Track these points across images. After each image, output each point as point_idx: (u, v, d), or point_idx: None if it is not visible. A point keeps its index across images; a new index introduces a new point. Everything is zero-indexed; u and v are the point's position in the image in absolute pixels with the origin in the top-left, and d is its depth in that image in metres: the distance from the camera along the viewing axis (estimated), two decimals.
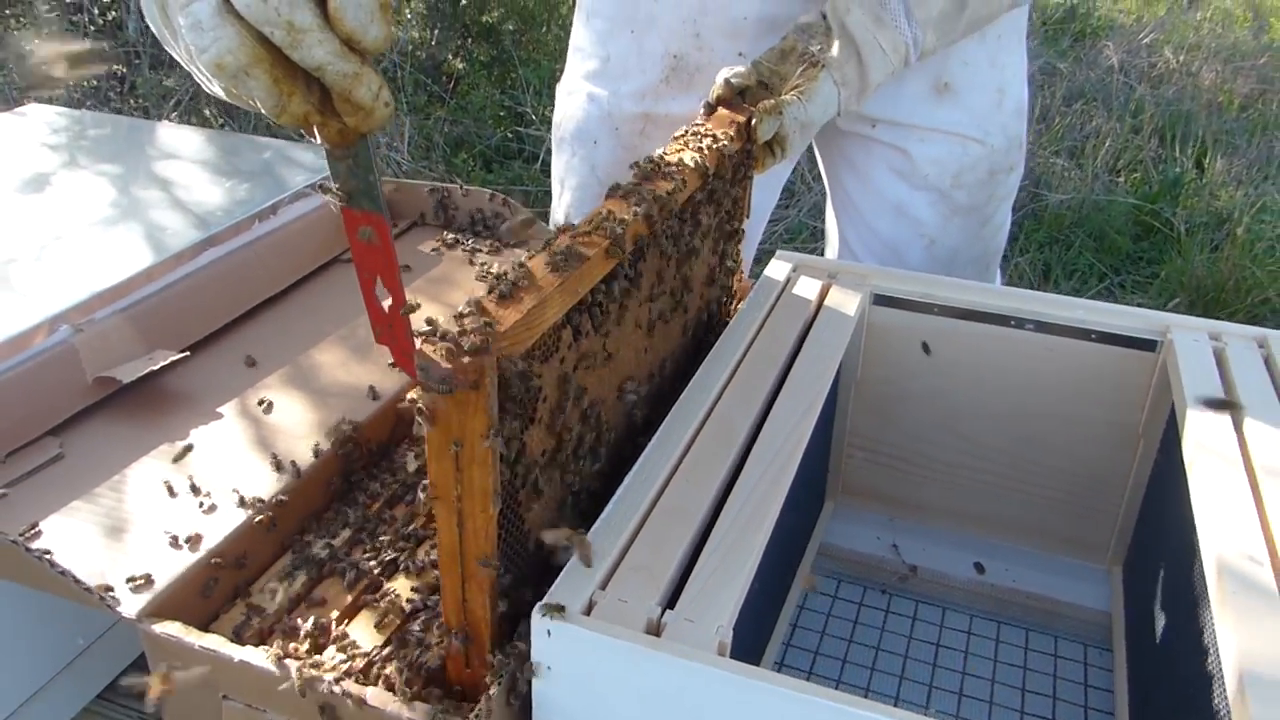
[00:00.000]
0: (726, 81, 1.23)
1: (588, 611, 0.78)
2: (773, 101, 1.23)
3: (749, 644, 1.13)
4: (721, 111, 1.22)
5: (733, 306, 1.34)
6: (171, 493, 0.99)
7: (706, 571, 0.83)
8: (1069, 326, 1.29)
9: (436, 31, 4.11)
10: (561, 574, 0.81)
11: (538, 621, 0.76)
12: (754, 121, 1.19)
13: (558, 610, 0.76)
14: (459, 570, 0.76)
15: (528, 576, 0.84)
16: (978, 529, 1.46)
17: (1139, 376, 1.28)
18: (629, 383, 0.99)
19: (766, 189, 1.71)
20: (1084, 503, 1.39)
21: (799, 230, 3.28)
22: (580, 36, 1.57)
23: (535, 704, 0.79)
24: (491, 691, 0.77)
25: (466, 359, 0.67)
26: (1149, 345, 1.26)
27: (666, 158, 1.03)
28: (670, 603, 0.80)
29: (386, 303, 0.92)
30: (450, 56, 4.29)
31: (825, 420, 1.41)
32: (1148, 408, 1.28)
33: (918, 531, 1.48)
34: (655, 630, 0.77)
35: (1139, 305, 3.09)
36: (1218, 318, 2.93)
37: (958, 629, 1.40)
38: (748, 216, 1.27)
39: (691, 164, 1.03)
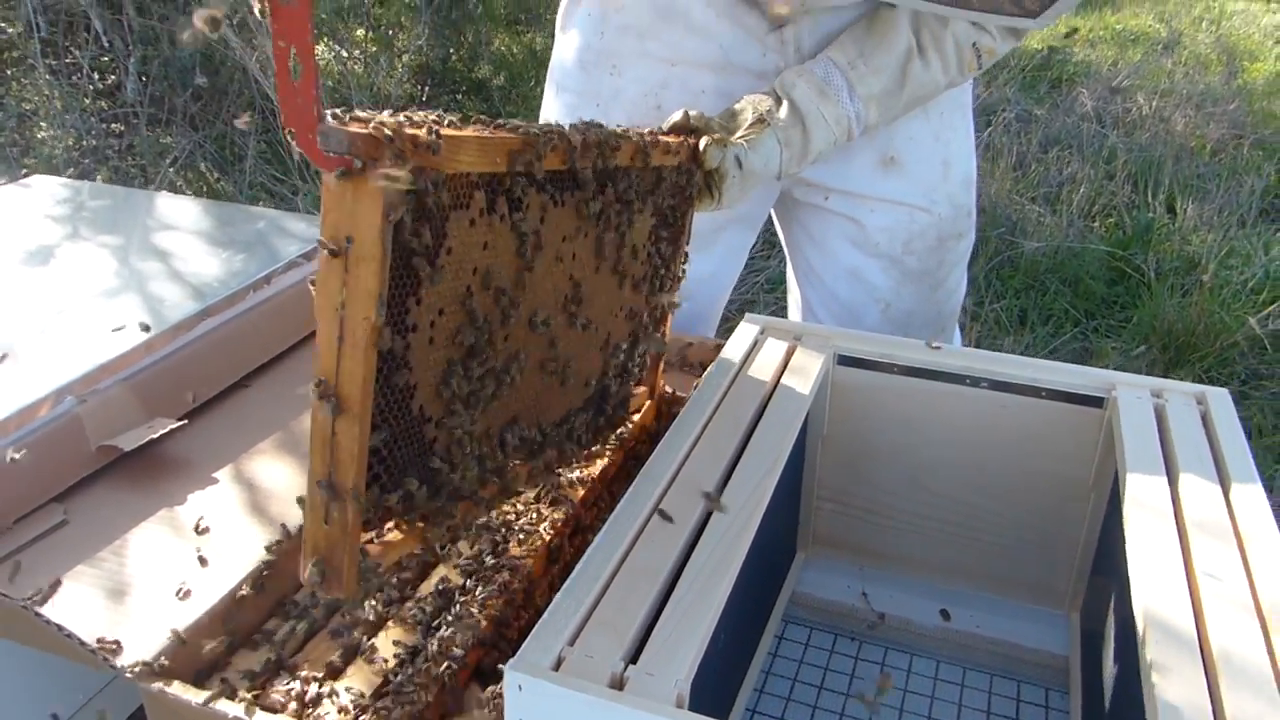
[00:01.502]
0: (685, 112, 1.32)
1: (556, 667, 0.84)
2: (721, 136, 1.33)
3: (718, 693, 1.19)
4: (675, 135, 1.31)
5: (665, 326, 1.40)
6: (169, 556, 1.05)
7: (668, 627, 0.89)
8: (1021, 385, 1.36)
9: (427, 88, 4.22)
10: (533, 631, 0.87)
11: (510, 676, 0.82)
12: (702, 145, 1.28)
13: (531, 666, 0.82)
14: (332, 400, 0.77)
15: (403, 454, 0.85)
16: (944, 577, 1.52)
17: (1088, 432, 1.35)
18: (540, 311, 1.01)
19: (747, 227, 1.79)
20: (1043, 551, 1.46)
21: (779, 279, 3.36)
22: (550, 109, 1.66)
23: None
24: None
25: (369, 133, 0.71)
26: (1096, 402, 1.33)
27: (618, 131, 1.09)
28: (634, 657, 0.86)
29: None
30: (441, 111, 4.40)
31: (794, 474, 1.48)
32: (1096, 461, 1.35)
33: (887, 580, 1.53)
34: (618, 684, 0.83)
35: (1113, 349, 3.18)
36: (1189, 361, 3.01)
37: (925, 674, 1.45)
38: (688, 241, 1.34)
39: (635, 140, 1.10)
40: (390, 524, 0.88)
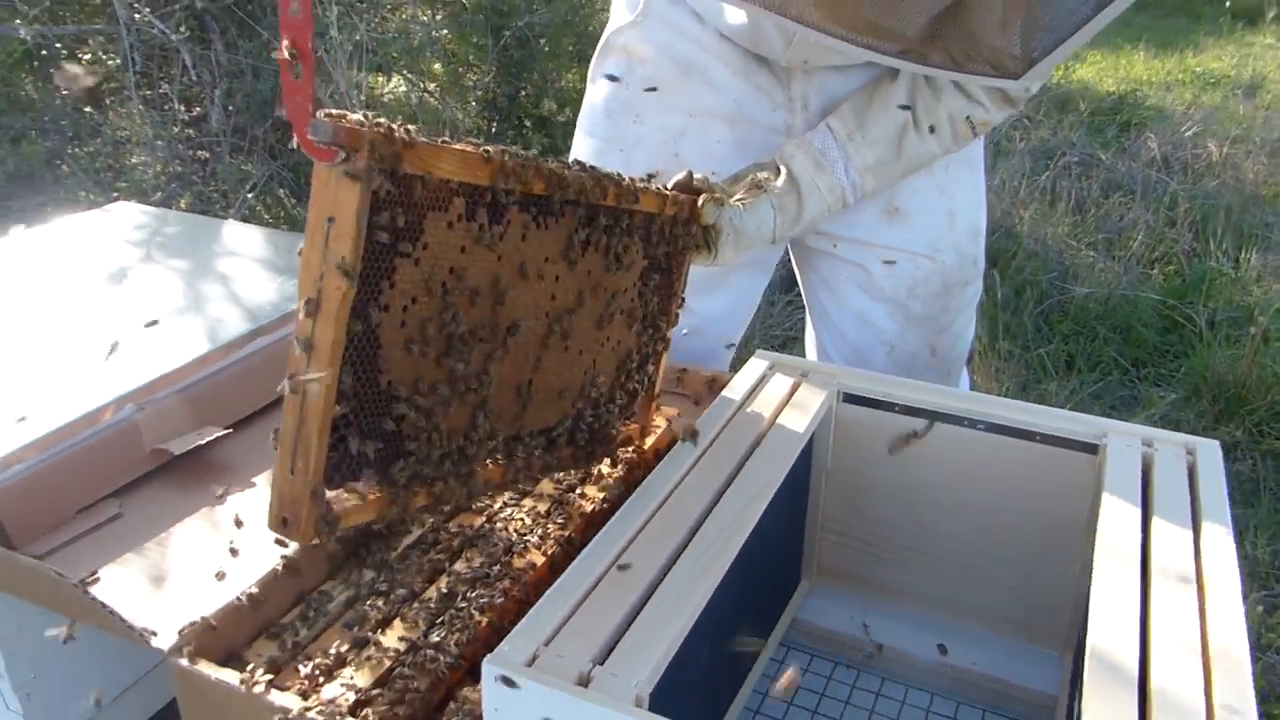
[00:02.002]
0: (689, 172, 1.42)
1: (530, 663, 0.93)
2: (720, 195, 1.43)
3: (703, 706, 1.26)
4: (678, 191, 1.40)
5: (658, 367, 1.47)
6: (207, 549, 1.17)
7: (637, 636, 0.97)
8: (1017, 428, 1.41)
9: (495, 122, 4.40)
10: (513, 631, 0.96)
11: (487, 669, 0.91)
12: (700, 202, 1.38)
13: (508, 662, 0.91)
14: (306, 362, 0.87)
15: (368, 423, 0.94)
16: (943, 612, 1.57)
17: (1082, 476, 1.39)
18: (517, 320, 1.10)
19: (760, 271, 1.87)
20: (1037, 591, 1.50)
21: None
22: (578, 151, 1.78)
23: None
24: None
25: (353, 126, 0.83)
26: (1090, 448, 1.38)
27: (607, 173, 1.19)
28: (603, 660, 0.94)
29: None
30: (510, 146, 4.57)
31: (797, 505, 1.55)
32: (1088, 506, 1.39)
33: (887, 613, 1.59)
34: (585, 682, 0.91)
35: (1160, 398, 3.16)
36: (1238, 414, 2.98)
37: (918, 706, 1.50)
38: (683, 289, 1.43)
39: (625, 185, 1.20)
40: (352, 491, 0.97)
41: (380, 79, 4.45)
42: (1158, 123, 5.83)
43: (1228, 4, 9.57)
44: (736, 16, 1.56)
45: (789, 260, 1.93)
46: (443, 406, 1.01)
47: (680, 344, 1.80)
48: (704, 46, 1.64)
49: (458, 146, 0.96)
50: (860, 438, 1.51)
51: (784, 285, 3.46)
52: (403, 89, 4.60)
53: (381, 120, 0.88)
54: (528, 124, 4.67)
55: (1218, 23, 9.10)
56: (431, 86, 4.67)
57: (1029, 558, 1.48)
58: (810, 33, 1.22)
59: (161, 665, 1.02)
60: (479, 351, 1.04)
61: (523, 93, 4.56)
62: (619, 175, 1.20)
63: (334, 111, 0.85)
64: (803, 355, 2.00)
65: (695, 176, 1.41)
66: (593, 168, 1.16)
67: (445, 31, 4.37)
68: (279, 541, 0.91)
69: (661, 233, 1.32)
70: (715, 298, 1.81)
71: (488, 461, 1.11)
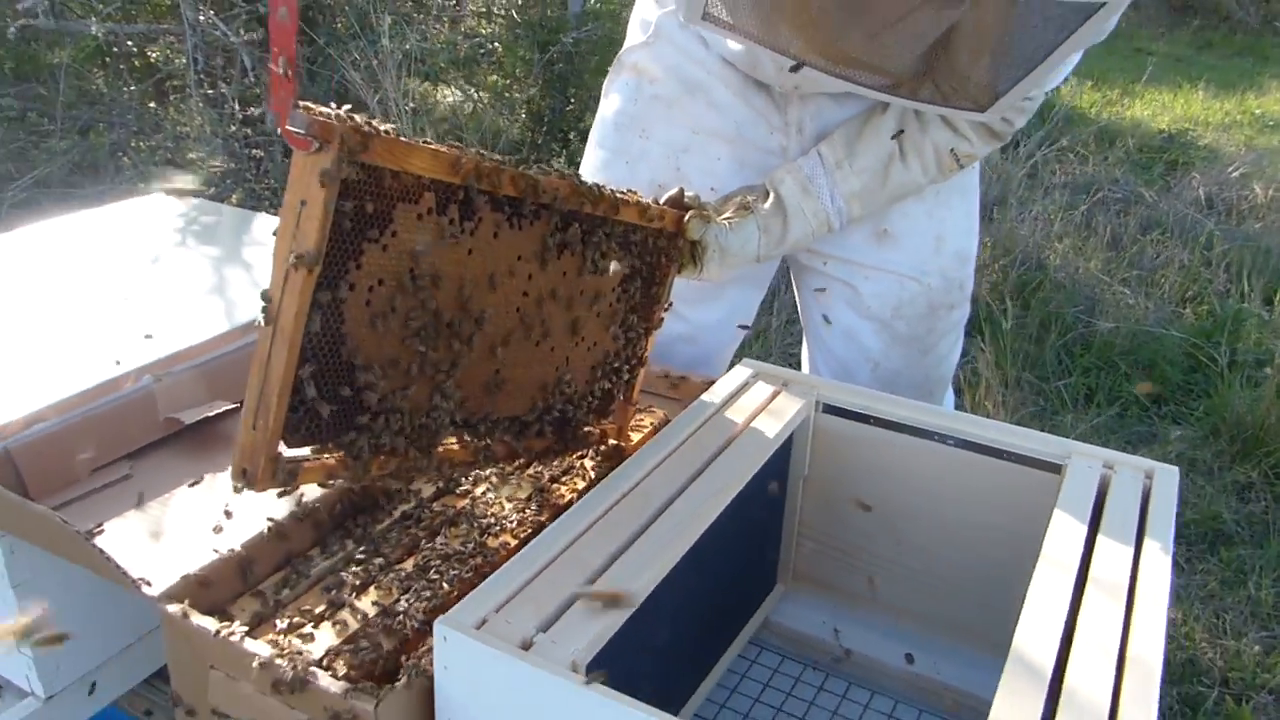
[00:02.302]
0: (680, 189, 1.49)
1: (479, 626, 1.00)
2: (707, 214, 1.50)
3: (660, 686, 1.32)
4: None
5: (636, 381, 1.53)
6: (205, 511, 1.27)
7: (583, 609, 1.04)
8: (985, 445, 1.46)
9: (539, 136, 4.52)
10: (466, 597, 1.03)
11: (438, 628, 0.99)
12: (686, 218, 1.45)
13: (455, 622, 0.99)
14: (272, 326, 0.96)
15: (327, 388, 1.01)
16: (913, 622, 1.61)
17: (1046, 495, 1.42)
18: (486, 311, 1.17)
19: (753, 285, 1.94)
20: (1003, 605, 1.52)
21: None
22: (588, 161, 1.86)
23: (437, 693, 1.02)
24: (403, 680, 1.00)
25: (324, 119, 0.91)
26: (1055, 468, 1.42)
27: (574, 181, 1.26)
28: (547, 629, 1.01)
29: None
30: (552, 157, 4.69)
31: (773, 510, 1.61)
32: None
33: (859, 620, 1.63)
34: (527, 646, 0.99)
35: (1177, 437, 3.15)
36: (1255, 454, 2.97)
37: (881, 711, 1.55)
38: (666, 299, 1.50)
39: (608, 195, 1.28)
40: (311, 450, 1.05)
41: (428, 87, 4.60)
42: (1208, 163, 5.78)
43: None
44: (735, 43, 1.64)
45: None
46: (402, 383, 1.09)
47: (675, 352, 1.88)
48: (708, 69, 1.72)
49: (431, 146, 1.04)
50: (838, 448, 1.57)
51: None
52: (454, 98, 4.75)
53: (355, 116, 0.97)
54: (572, 136, 4.79)
55: None
56: (483, 97, 4.81)
57: (996, 572, 1.52)
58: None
59: (160, 626, 1.11)
60: (443, 335, 1.12)
61: (568, 106, 4.68)
62: (599, 186, 1.28)
63: (311, 106, 0.94)
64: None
65: (687, 194, 1.49)
66: (574, 176, 1.24)
67: (497, 45, 4.51)
68: (241, 485, 0.99)
69: (644, 244, 1.40)
70: (709, 308, 1.88)
71: (452, 440, 1.19)
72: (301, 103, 0.93)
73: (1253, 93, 7.98)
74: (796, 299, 1.98)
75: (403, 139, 1.02)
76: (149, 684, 1.48)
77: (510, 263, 1.19)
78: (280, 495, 1.20)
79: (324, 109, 0.95)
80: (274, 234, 0.97)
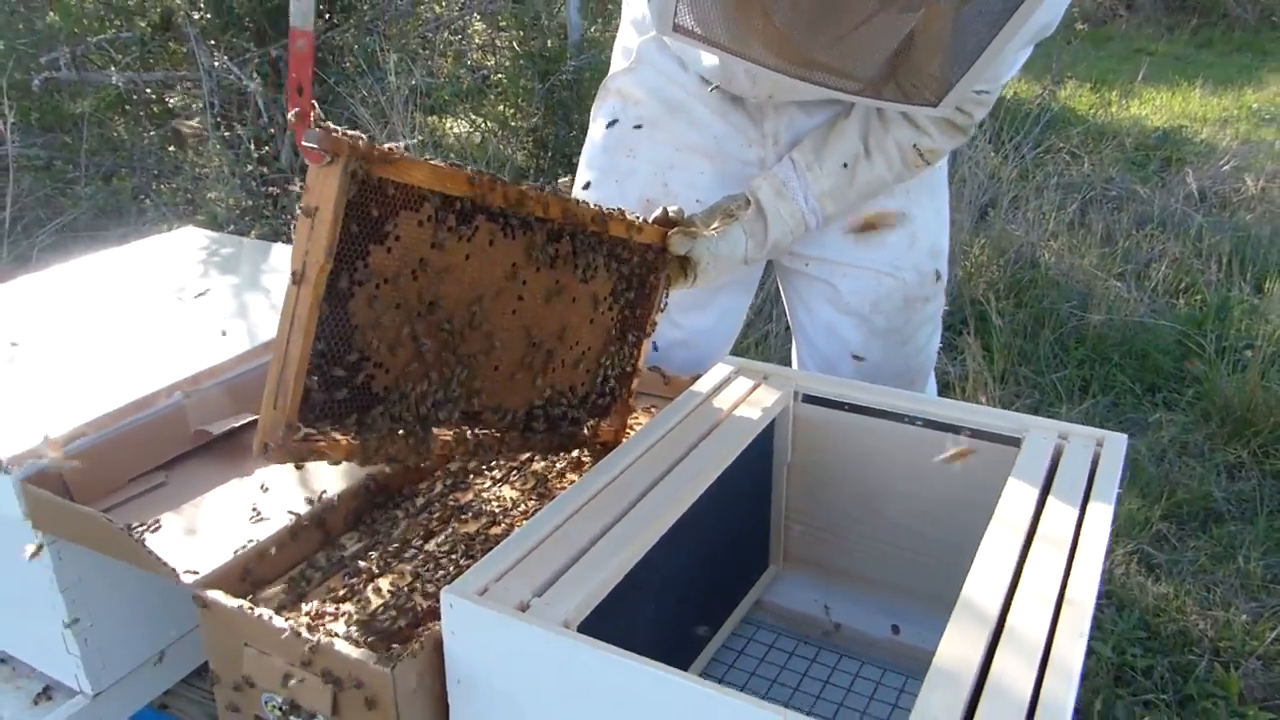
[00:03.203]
0: (664, 209, 1.62)
1: (482, 593, 1.12)
2: (692, 229, 1.62)
3: (661, 652, 1.43)
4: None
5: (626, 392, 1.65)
6: (234, 512, 1.40)
7: (573, 576, 1.16)
8: (949, 424, 1.57)
9: (544, 162, 4.67)
10: (471, 568, 1.16)
11: (444, 596, 1.11)
12: (670, 234, 1.58)
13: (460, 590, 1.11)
14: (289, 320, 1.10)
15: (333, 375, 1.14)
16: (898, 595, 1.71)
17: (1006, 467, 1.53)
18: (486, 312, 1.30)
19: (743, 291, 2.06)
20: None
21: None
22: (581, 179, 1.99)
23: (446, 655, 1.14)
24: (416, 646, 1.12)
25: (336, 136, 1.06)
26: (1015, 441, 1.52)
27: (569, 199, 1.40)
28: (542, 594, 1.13)
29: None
30: (557, 180, 4.85)
31: (761, 496, 1.72)
32: None
33: (847, 596, 1.74)
34: (524, 608, 1.11)
35: (1169, 421, 3.23)
36: (1244, 436, 3.05)
37: (870, 679, 1.65)
38: (658, 309, 1.63)
39: (594, 210, 1.41)
40: (324, 431, 1.17)
41: (434, 119, 4.76)
42: (1202, 158, 5.86)
43: None
44: (710, 59, 1.76)
45: None
46: (404, 373, 1.22)
47: (672, 356, 2.00)
48: (687, 90, 1.86)
49: (431, 162, 1.19)
50: (818, 434, 1.68)
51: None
52: (461, 129, 4.91)
53: (362, 135, 1.11)
54: (575, 160, 4.94)
55: None
56: (490, 127, 4.98)
57: (968, 543, 1.61)
58: (766, 73, 1.41)
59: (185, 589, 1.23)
60: (443, 331, 1.25)
61: (571, 132, 4.84)
62: (587, 203, 1.41)
63: (325, 124, 1.08)
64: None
65: (671, 211, 1.61)
66: (564, 193, 1.38)
67: (501, 76, 4.68)
68: (262, 458, 1.13)
69: (632, 257, 1.53)
70: (702, 314, 2.00)
71: (451, 430, 1.32)
72: (317, 123, 1.08)
73: (1251, 87, 8.04)
74: (784, 301, 2.10)
75: (404, 155, 1.16)
76: (187, 683, 1.60)
77: (506, 268, 1.32)
78: (299, 467, 1.32)
79: (336, 128, 1.10)
80: (293, 237, 1.11)
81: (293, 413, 1.11)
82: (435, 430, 1.29)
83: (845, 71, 1.44)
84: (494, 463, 1.62)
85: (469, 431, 1.34)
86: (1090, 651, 2.31)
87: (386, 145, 1.14)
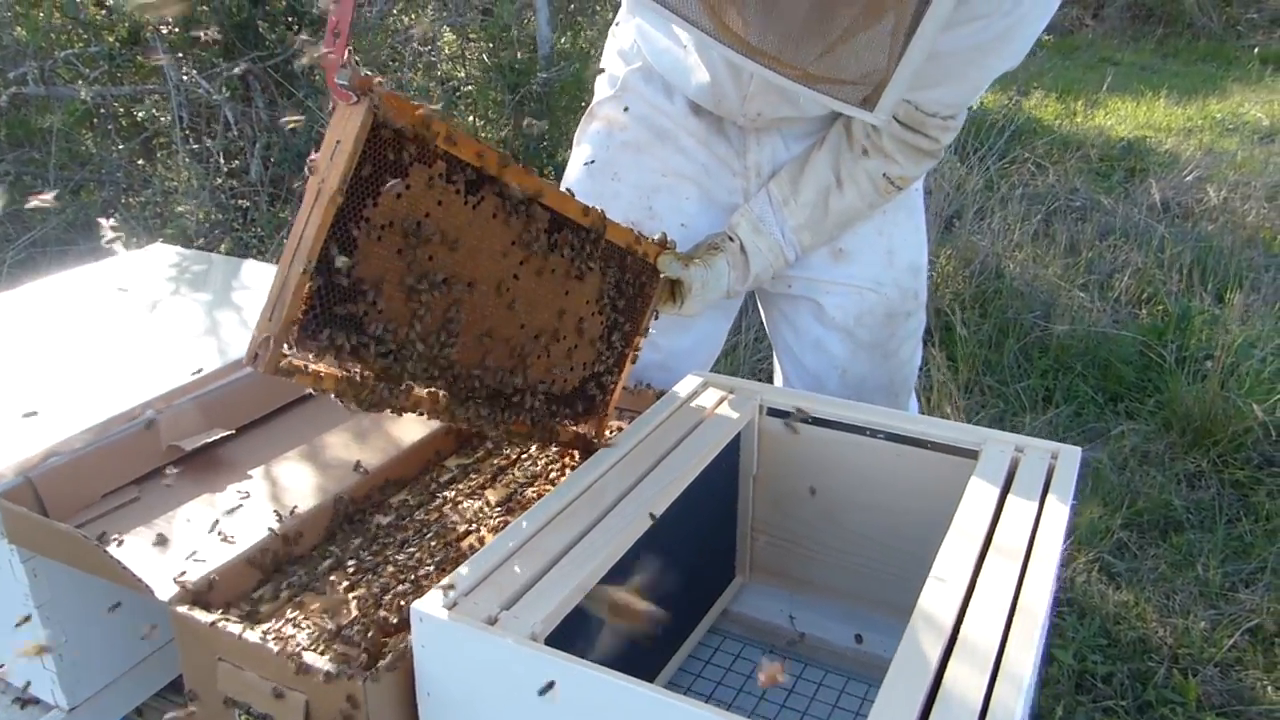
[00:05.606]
0: (664, 234, 1.67)
1: (451, 608, 1.15)
2: (684, 255, 1.67)
3: (628, 664, 1.46)
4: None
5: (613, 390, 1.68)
6: (204, 527, 1.41)
7: (541, 589, 1.19)
8: (909, 437, 1.61)
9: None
10: (439, 582, 1.18)
11: (414, 611, 1.14)
12: (661, 254, 1.63)
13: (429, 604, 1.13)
14: (295, 242, 1.14)
15: (328, 298, 1.18)
16: (861, 605, 1.75)
17: (964, 479, 1.58)
18: (480, 282, 1.34)
19: (722, 316, 2.10)
20: None
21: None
22: None
23: (417, 669, 1.16)
24: (382, 664, 1.14)
25: (364, 77, 1.12)
26: (972, 454, 1.57)
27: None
28: (510, 606, 1.16)
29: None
30: None
31: (726, 506, 1.75)
32: None
33: (812, 606, 1.78)
34: (492, 622, 1.13)
35: (1131, 430, 3.31)
36: (1203, 445, 3.12)
37: (833, 688, 1.69)
38: (648, 323, 1.67)
39: (595, 211, 1.47)
40: (310, 354, 1.21)
41: None
42: (1165, 169, 5.98)
43: (1255, 50, 9.69)
44: (700, 78, 1.80)
45: None
46: (390, 315, 1.25)
47: (649, 377, 2.03)
48: (673, 119, 1.90)
49: (451, 123, 1.24)
50: (782, 447, 1.72)
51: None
52: None
53: (386, 82, 1.17)
54: (548, 172, 4.98)
55: (1246, 69, 9.20)
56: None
57: (929, 553, 1.65)
58: (757, 68, 1.42)
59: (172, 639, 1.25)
60: (436, 285, 1.29)
61: (542, 144, 4.87)
62: (588, 206, 1.47)
63: (357, 66, 1.14)
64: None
65: (667, 239, 1.66)
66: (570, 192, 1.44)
67: (470, 87, 4.70)
68: (251, 366, 1.17)
69: (626, 265, 1.58)
70: (681, 336, 2.04)
71: (430, 388, 1.34)
72: (347, 62, 1.13)
73: (1215, 97, 8.19)
74: (766, 325, 2.15)
75: (430, 109, 1.21)
76: (161, 696, 1.61)
77: (504, 245, 1.37)
78: (286, 377, 1.31)
79: (366, 71, 1.15)
80: (309, 171, 1.17)
81: (286, 326, 1.15)
82: (412, 382, 1.31)
83: (784, 58, 1.44)
84: (466, 476, 1.65)
85: (448, 396, 1.36)
86: (1051, 658, 2.36)
87: (408, 96, 1.19)
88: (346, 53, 1.13)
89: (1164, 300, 4.14)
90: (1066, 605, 2.57)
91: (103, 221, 1.92)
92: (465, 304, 1.34)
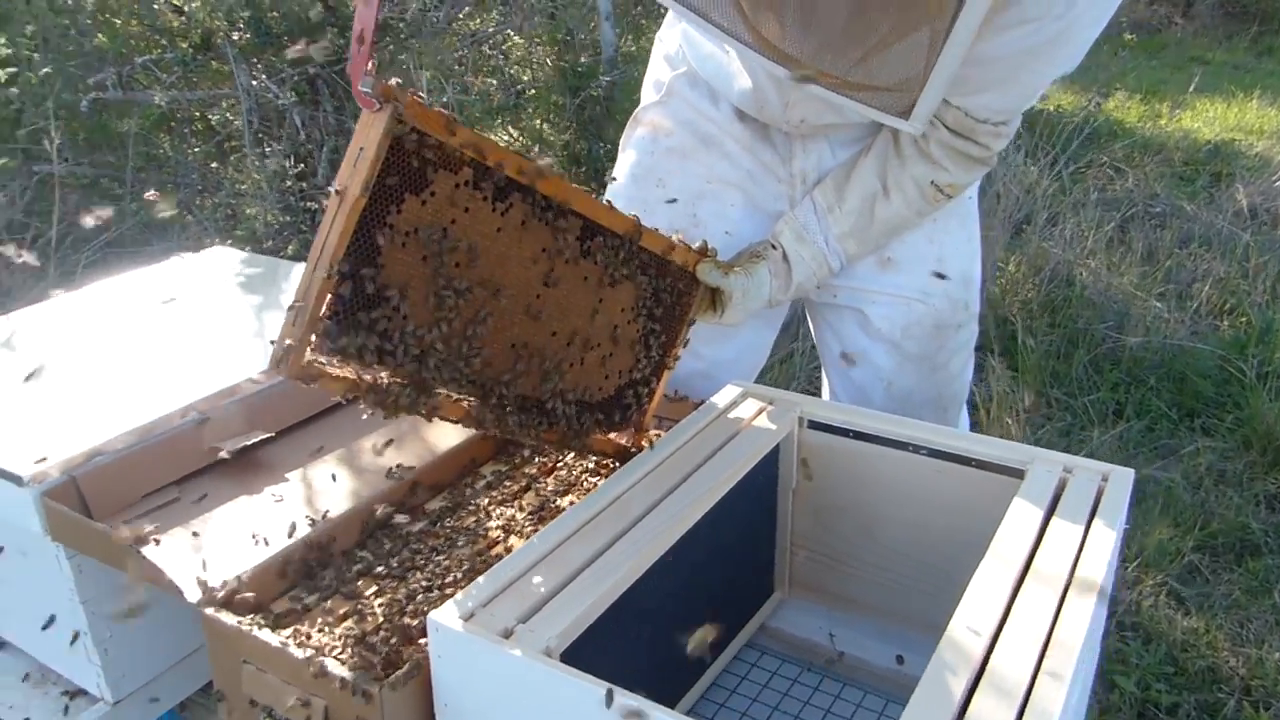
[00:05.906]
0: (704, 241, 1.65)
1: (468, 619, 1.14)
2: (725, 263, 1.64)
3: (649, 680, 1.43)
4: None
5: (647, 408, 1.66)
6: (241, 528, 1.43)
7: (560, 602, 1.18)
8: (953, 454, 1.56)
9: (580, 175, 4.71)
10: (459, 592, 1.17)
11: (430, 621, 1.13)
12: (700, 262, 1.61)
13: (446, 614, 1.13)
14: (320, 249, 1.16)
15: (351, 304, 1.19)
16: (903, 624, 1.70)
17: (1010, 498, 1.52)
18: (508, 290, 1.34)
19: (766, 326, 2.06)
20: None
21: None
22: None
23: (433, 679, 1.15)
24: (399, 673, 1.14)
25: (388, 86, 1.12)
26: (1018, 473, 1.51)
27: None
28: (527, 619, 1.15)
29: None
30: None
31: (766, 521, 1.72)
32: None
33: (852, 624, 1.73)
34: (508, 635, 1.12)
35: (1208, 448, 3.16)
36: None
37: (872, 710, 1.64)
38: (686, 332, 1.65)
39: (631, 219, 1.46)
40: (335, 359, 1.21)
41: None
42: (1254, 173, 5.72)
43: None
44: (743, 84, 1.77)
45: None
46: (414, 321, 1.25)
47: (692, 387, 2.01)
48: (719, 125, 1.88)
49: (475, 130, 1.24)
50: (822, 460, 1.68)
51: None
52: (504, 140, 4.97)
53: (412, 90, 1.17)
54: (608, 178, 4.98)
55: None
56: (525, 141, 5.04)
57: (968, 573, 1.60)
58: (799, 96, 1.39)
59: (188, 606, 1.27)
60: (462, 293, 1.28)
61: (604, 148, 4.88)
62: (621, 212, 1.45)
63: (378, 76, 1.15)
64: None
65: (709, 248, 1.64)
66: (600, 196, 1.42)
67: (532, 90, 4.73)
68: (274, 371, 1.19)
69: (662, 273, 1.56)
70: (724, 346, 2.01)
71: (458, 395, 1.33)
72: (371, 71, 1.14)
73: None
74: (814, 336, 2.11)
75: (452, 117, 1.21)
76: (205, 692, 1.65)
77: (534, 252, 1.36)
78: (308, 384, 1.32)
79: (391, 80, 1.15)
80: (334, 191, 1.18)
81: (309, 331, 1.16)
82: (438, 389, 1.31)
83: (822, 66, 1.41)
84: (501, 483, 1.64)
85: (466, 401, 1.36)
86: (1112, 685, 2.27)
87: (437, 109, 1.19)
88: (371, 61, 1.14)
89: (1247, 311, 3.96)
90: (1131, 630, 2.47)
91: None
92: (492, 311, 1.33)
